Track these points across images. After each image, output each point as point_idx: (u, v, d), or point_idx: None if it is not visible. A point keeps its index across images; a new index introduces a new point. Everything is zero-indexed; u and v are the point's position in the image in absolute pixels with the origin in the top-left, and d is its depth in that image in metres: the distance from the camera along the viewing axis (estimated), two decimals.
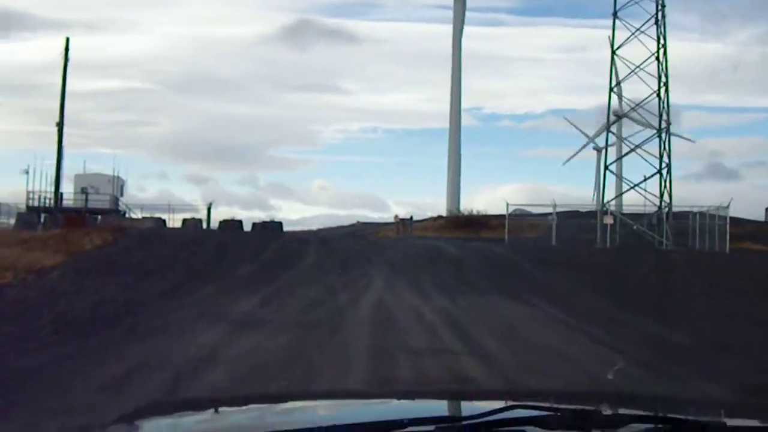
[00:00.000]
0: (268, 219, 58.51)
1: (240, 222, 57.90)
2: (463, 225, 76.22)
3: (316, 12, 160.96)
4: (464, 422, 2.05)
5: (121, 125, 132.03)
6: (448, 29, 73.34)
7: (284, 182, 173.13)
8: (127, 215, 57.59)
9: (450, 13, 70.45)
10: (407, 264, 23.86)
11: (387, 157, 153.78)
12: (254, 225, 58.02)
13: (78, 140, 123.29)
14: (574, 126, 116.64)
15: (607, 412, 2.68)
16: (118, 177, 56.85)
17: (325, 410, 2.97)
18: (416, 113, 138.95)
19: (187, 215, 59.34)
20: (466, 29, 72.25)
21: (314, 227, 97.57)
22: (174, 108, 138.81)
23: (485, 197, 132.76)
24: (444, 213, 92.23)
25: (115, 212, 56.25)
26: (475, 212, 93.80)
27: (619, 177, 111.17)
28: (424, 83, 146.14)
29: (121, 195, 56.87)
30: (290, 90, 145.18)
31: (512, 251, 32.03)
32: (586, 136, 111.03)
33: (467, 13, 77.72)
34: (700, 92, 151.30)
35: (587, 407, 2.86)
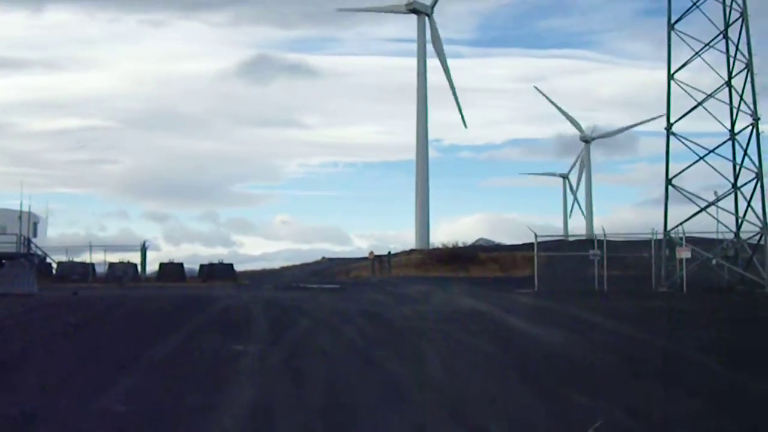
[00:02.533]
0: (216, 261, 47.40)
1: (181, 265, 46.55)
2: (446, 260, 65.59)
3: (275, 47, 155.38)
4: None
5: (80, 164, 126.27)
6: (407, 62, 78.03)
7: (246, 218, 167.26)
8: (47, 259, 46.12)
9: (408, 47, 70.26)
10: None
11: (348, 191, 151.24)
12: (201, 267, 46.89)
13: (37, 180, 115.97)
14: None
15: None
16: (31, 213, 44.65)
17: None
18: (376, 146, 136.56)
19: (126, 255, 47.85)
20: None
21: (276, 264, 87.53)
22: (134, 145, 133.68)
23: (447, 229, 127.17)
24: (413, 246, 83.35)
25: (24, 256, 44.28)
26: (455, 244, 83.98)
27: (589, 203, 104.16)
28: (384, 116, 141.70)
29: (35, 235, 44.79)
30: (252, 125, 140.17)
31: (592, 311, 19.74)
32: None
33: (426, 46, 76.20)
34: None
35: None
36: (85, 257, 47.99)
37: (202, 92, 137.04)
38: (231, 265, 47.21)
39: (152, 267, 48.50)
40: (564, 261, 63.21)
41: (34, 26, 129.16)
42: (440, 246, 79.06)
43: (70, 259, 46.44)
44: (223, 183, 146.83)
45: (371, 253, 56.99)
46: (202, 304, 20.68)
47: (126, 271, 43.82)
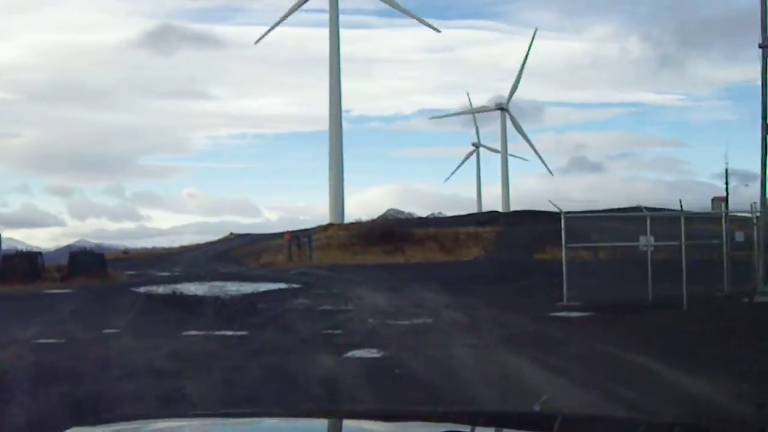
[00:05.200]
0: (89, 246, 34.70)
1: (36, 256, 33.27)
2: (377, 239, 54.03)
3: (180, 17, 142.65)
4: None
5: None
6: (315, 32, 73.78)
7: (153, 191, 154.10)
8: None
9: (317, 16, 64.24)
10: None
11: (257, 163, 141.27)
12: (71, 256, 33.91)
13: None
14: (470, 102, 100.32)
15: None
16: None
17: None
18: (285, 117, 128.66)
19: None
20: None
21: (185, 239, 75.38)
22: (38, 118, 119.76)
23: (356, 200, 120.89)
24: (326, 218, 72.97)
25: None
26: (371, 217, 72.46)
27: (505, 173, 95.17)
28: (292, 87, 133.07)
29: None
30: (158, 97, 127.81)
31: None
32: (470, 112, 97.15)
33: (338, 16, 67.69)
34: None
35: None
36: None
37: (107, 63, 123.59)
38: (100, 255, 34.18)
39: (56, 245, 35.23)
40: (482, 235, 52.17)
41: None
42: (356, 221, 67.73)
43: None
44: (130, 156, 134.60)
45: (287, 233, 44.94)
46: None
47: None
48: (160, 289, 23.29)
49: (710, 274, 19.18)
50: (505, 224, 64.64)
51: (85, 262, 32.26)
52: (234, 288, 23.95)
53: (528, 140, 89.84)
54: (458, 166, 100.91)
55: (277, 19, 70.71)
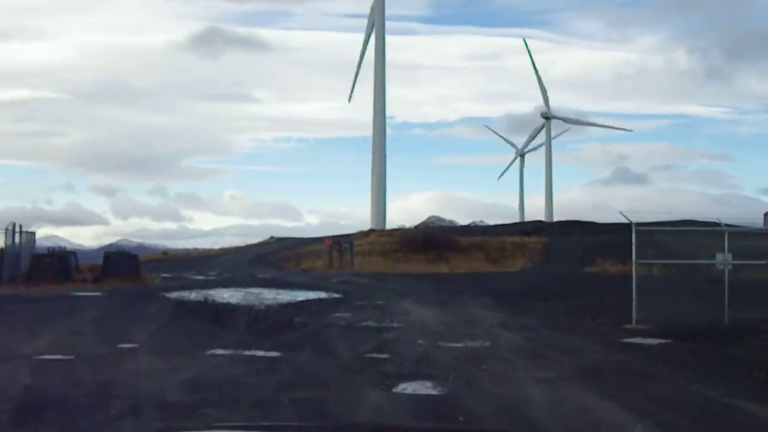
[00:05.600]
0: (130, 246, 33.52)
1: (68, 255, 32.12)
2: (420, 246, 52.19)
3: (226, 20, 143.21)
4: None
5: (29, 136, 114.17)
6: (360, 37, 66.33)
7: (196, 192, 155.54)
8: None
9: (361, 22, 64.14)
10: None
11: (299, 167, 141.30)
12: (105, 257, 32.68)
13: None
14: (498, 134, 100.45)
15: None
16: None
17: None
18: (328, 122, 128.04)
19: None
20: None
21: (226, 242, 74.73)
22: (84, 118, 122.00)
23: (397, 206, 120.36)
24: (367, 224, 71.47)
25: None
26: (410, 224, 70.73)
27: (549, 183, 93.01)
28: (336, 92, 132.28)
29: None
30: (203, 99, 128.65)
31: None
32: (512, 144, 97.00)
33: (384, 21, 68.03)
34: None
35: None
36: None
37: (153, 65, 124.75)
38: (134, 257, 32.89)
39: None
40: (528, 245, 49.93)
41: None
42: (398, 227, 66.06)
43: None
44: (173, 157, 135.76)
45: (329, 239, 43.36)
46: None
47: None
48: (192, 295, 21.82)
49: None
50: (551, 235, 62.47)
51: (119, 264, 31.02)
52: (270, 296, 22.38)
53: (591, 123, 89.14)
54: (507, 167, 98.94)
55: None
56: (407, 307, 18.64)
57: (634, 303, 15.67)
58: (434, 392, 8.55)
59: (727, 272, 16.96)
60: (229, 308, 18.22)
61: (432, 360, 10.82)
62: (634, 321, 15.63)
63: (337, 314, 17.33)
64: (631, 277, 16.16)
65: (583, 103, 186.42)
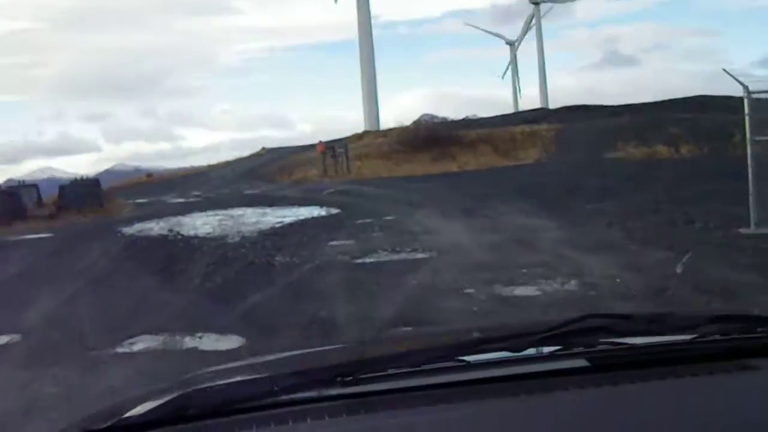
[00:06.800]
0: (126, 169, 29.51)
1: (17, 191, 27.23)
2: (422, 145, 47.11)
3: None
4: (538, 335, 1.67)
5: (12, 69, 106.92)
6: None
7: (186, 110, 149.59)
8: None
9: None
10: None
11: (288, 76, 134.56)
12: (60, 189, 27.86)
13: None
14: (480, 29, 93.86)
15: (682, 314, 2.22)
16: None
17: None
18: (312, 28, 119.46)
19: None
20: None
21: (222, 156, 70.00)
22: (65, 46, 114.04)
23: (388, 106, 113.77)
24: (362, 127, 66.44)
25: None
26: (400, 123, 65.09)
27: (542, 71, 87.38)
28: None
29: None
30: (182, 15, 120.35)
31: None
32: (500, 36, 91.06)
33: None
34: None
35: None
36: None
37: None
38: (95, 183, 28.13)
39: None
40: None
41: None
42: (396, 125, 60.65)
43: None
44: (159, 77, 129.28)
45: (320, 144, 38.46)
46: None
47: None
48: (157, 227, 17.23)
49: None
50: (559, 121, 57.74)
51: (78, 195, 26.27)
52: (253, 219, 17.83)
53: None
54: (509, 65, 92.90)
55: None
56: (428, 224, 14.00)
57: (751, 198, 10.99)
58: None
59: None
60: (194, 245, 13.62)
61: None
62: (752, 223, 11.00)
63: (334, 242, 12.74)
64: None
65: None
